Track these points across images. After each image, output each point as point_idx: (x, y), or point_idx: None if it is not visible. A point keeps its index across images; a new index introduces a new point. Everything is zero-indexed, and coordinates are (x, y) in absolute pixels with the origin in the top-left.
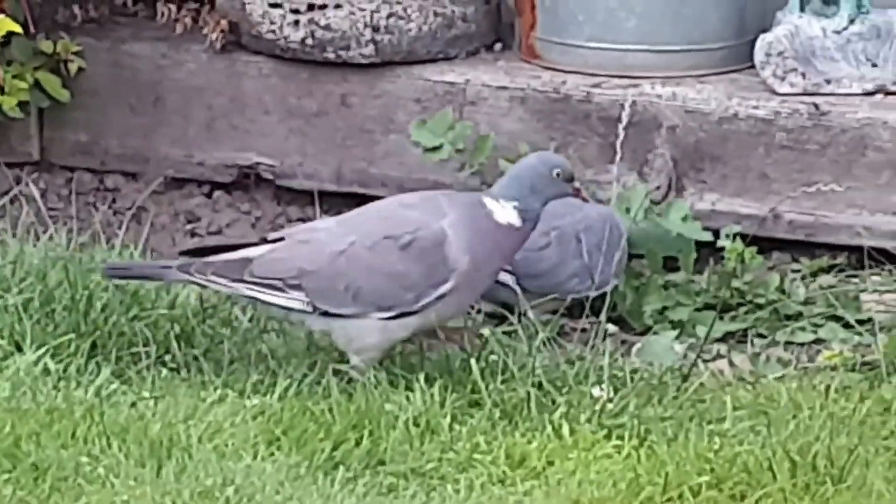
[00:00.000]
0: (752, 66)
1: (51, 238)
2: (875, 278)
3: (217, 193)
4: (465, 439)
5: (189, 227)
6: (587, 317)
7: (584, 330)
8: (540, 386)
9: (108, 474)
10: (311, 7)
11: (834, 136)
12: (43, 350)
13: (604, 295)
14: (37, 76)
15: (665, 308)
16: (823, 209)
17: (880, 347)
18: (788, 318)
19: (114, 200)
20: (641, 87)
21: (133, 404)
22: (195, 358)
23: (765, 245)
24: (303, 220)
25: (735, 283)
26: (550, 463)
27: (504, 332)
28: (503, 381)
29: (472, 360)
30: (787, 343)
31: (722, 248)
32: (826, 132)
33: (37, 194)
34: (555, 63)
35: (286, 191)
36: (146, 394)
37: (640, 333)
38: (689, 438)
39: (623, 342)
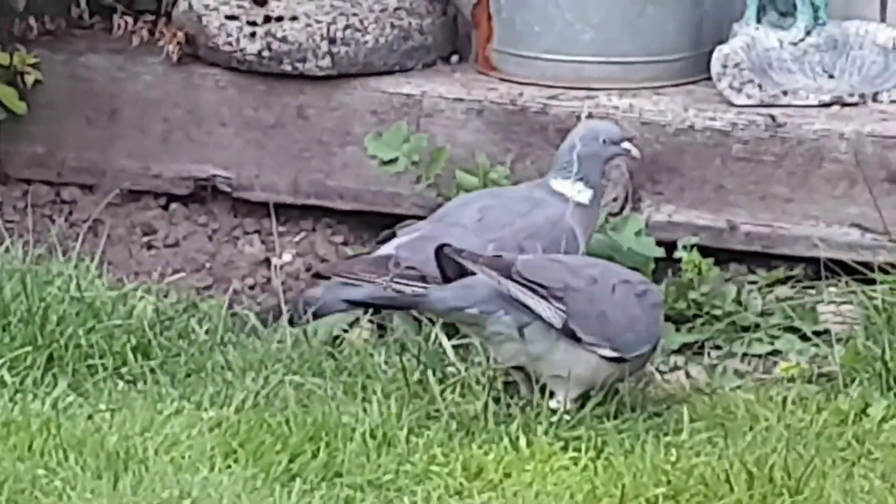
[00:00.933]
0: (709, 78)
1: (7, 250)
2: (832, 290)
3: (174, 206)
4: (421, 451)
5: (146, 239)
6: None
7: None
8: (497, 398)
9: (64, 487)
10: (267, 19)
11: (790, 148)
12: None
13: None
14: None
15: None
16: (780, 221)
17: (837, 359)
18: (745, 329)
19: (70, 213)
20: (598, 98)
21: (90, 417)
22: (152, 370)
23: (722, 257)
24: (259, 233)
25: (692, 295)
26: (507, 475)
27: (460, 345)
28: (460, 394)
29: (430, 373)
30: (744, 354)
31: (679, 260)
32: (783, 144)
33: None
34: (511, 75)
35: (243, 203)
36: (103, 406)
37: None
38: (645, 450)
39: None
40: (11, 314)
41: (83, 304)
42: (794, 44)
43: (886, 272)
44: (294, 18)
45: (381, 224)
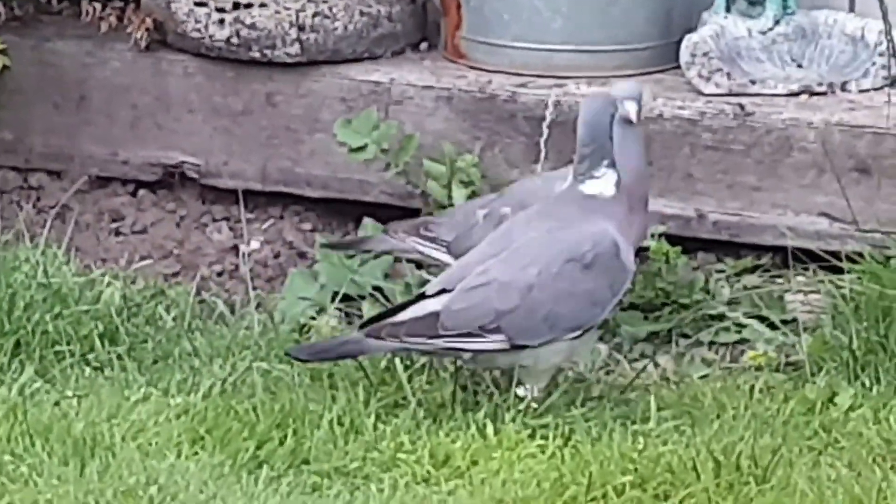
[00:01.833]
0: (678, 67)
1: None
2: (799, 279)
3: (142, 192)
4: (389, 438)
5: (113, 225)
6: None
7: None
8: (465, 386)
9: (31, 473)
10: (236, 6)
11: (759, 137)
12: None
13: None
14: None
15: None
16: (748, 210)
17: (804, 348)
18: (713, 318)
19: (38, 199)
20: (567, 86)
21: (56, 403)
22: (119, 357)
23: (690, 245)
24: (227, 220)
25: (660, 284)
26: (475, 462)
27: None
28: (428, 381)
29: (397, 360)
30: (712, 343)
31: (647, 248)
32: (751, 133)
33: None
34: (480, 63)
35: (211, 190)
36: (70, 392)
37: None
38: (613, 438)
39: None
40: None
41: (50, 290)
42: (763, 33)
43: (854, 261)
44: (263, 5)
45: (349, 211)
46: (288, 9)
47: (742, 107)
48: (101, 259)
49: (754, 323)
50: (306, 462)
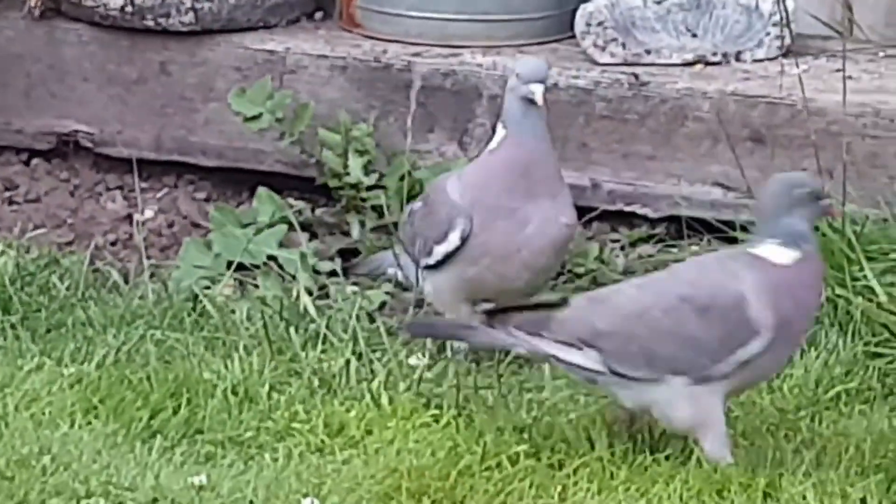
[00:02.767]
0: (573, 37)
1: None
2: (694, 248)
3: (35, 161)
4: (283, 408)
5: (7, 194)
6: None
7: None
8: (360, 355)
9: None
10: None
11: (654, 107)
12: None
13: None
14: None
15: None
16: (643, 179)
17: None
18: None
19: None
20: (462, 56)
21: None
22: (12, 325)
23: (584, 215)
24: (121, 189)
25: None
26: (369, 432)
27: (323, 303)
28: (323, 351)
29: (292, 329)
30: None
31: None
32: (646, 102)
33: None
34: (376, 32)
35: (105, 158)
36: None
37: None
38: (507, 408)
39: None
40: None
41: None
42: (658, 2)
43: (748, 231)
44: None
45: (244, 181)
46: None
47: (637, 76)
48: None
49: None
50: (200, 431)
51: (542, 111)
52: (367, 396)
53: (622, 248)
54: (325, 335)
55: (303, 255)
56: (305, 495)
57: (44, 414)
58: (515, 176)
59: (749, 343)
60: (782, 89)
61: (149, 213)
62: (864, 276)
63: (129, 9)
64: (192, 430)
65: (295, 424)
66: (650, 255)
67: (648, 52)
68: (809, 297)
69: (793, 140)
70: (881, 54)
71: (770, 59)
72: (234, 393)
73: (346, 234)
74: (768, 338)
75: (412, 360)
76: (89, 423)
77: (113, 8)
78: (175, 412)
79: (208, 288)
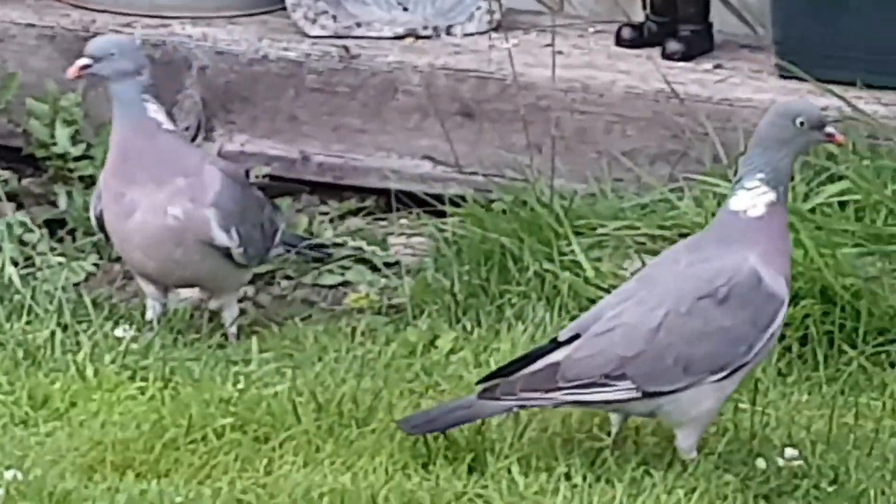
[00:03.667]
0: (284, 9)
1: None
2: (403, 221)
3: None
4: None
5: None
6: None
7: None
8: (65, 327)
9: None
10: None
11: (364, 80)
12: None
13: None
14: None
15: None
16: (353, 152)
17: (407, 290)
18: (316, 260)
19: None
20: (172, 27)
21: None
22: None
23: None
24: None
25: None
26: (74, 404)
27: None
28: (28, 322)
29: None
30: (314, 285)
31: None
32: (356, 75)
33: None
34: (84, 2)
35: None
36: None
37: None
38: (214, 381)
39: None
40: None
41: None
42: None
43: (457, 205)
44: None
45: None
46: None
47: (347, 49)
48: None
49: (357, 265)
50: None
51: (128, 92)
52: (72, 368)
53: (331, 221)
54: (30, 306)
55: (9, 226)
56: (8, 468)
57: None
58: (116, 159)
59: (777, 315)
60: (492, 63)
61: None
62: (572, 251)
63: None
64: None
65: None
66: (360, 229)
67: (359, 24)
68: (786, 244)
69: (502, 114)
70: (591, 30)
71: (481, 34)
72: None
73: (54, 204)
74: (786, 302)
75: (118, 332)
76: None
77: None
78: None
79: None
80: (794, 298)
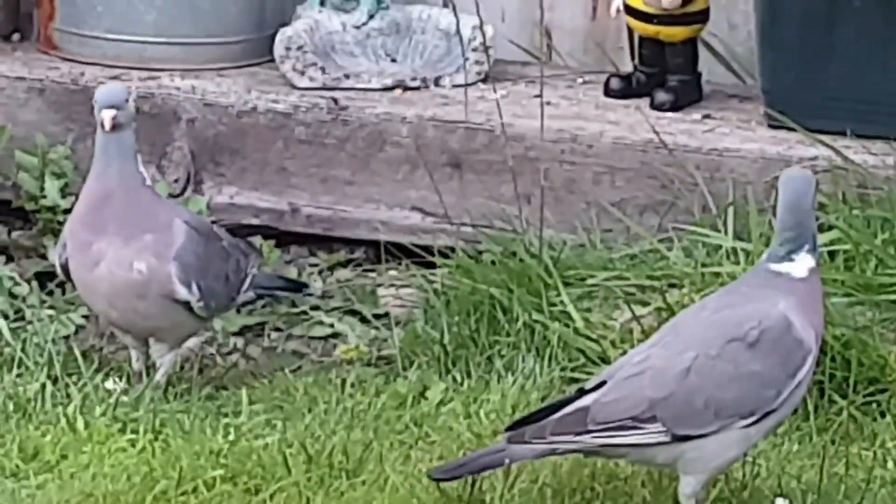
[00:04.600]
0: (273, 61)
1: None
2: (392, 273)
3: None
4: None
5: None
6: None
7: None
8: (55, 379)
9: None
10: None
11: (353, 131)
12: None
13: None
14: None
15: None
16: (342, 204)
17: (396, 342)
18: (306, 312)
19: None
20: (161, 79)
21: None
22: None
23: (283, 239)
24: None
25: None
26: (64, 456)
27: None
28: (18, 375)
29: None
30: (304, 337)
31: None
32: (345, 127)
33: None
34: (73, 54)
35: None
36: None
37: None
38: (204, 432)
39: None
40: None
41: None
42: (357, 27)
43: (446, 256)
44: None
45: None
46: None
47: (336, 101)
48: None
49: (347, 317)
50: None
51: (125, 143)
52: (63, 421)
53: (321, 273)
54: (20, 359)
55: None
56: None
57: None
58: (88, 208)
59: (805, 363)
60: (481, 115)
61: None
62: (561, 302)
63: None
64: None
65: None
66: (349, 280)
67: (348, 76)
68: (821, 307)
69: (491, 165)
70: (579, 80)
71: (469, 85)
72: None
73: (43, 257)
74: (815, 354)
75: (108, 385)
76: None
77: None
78: None
79: None
80: None
